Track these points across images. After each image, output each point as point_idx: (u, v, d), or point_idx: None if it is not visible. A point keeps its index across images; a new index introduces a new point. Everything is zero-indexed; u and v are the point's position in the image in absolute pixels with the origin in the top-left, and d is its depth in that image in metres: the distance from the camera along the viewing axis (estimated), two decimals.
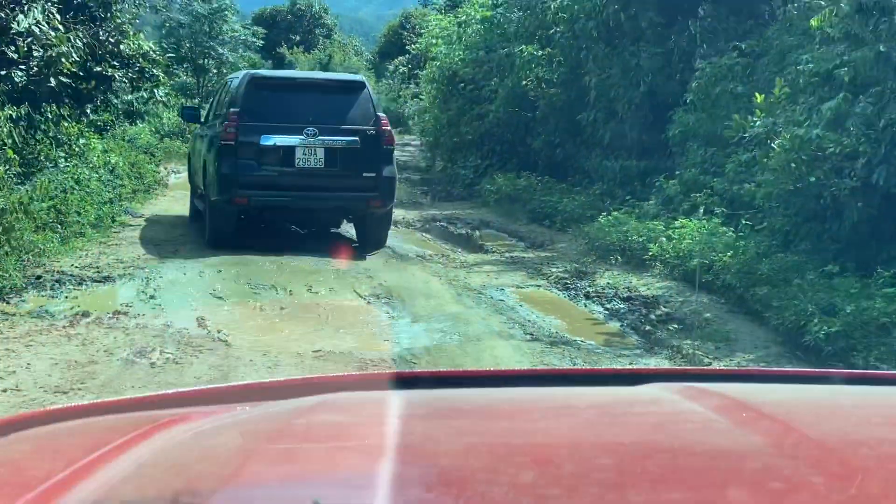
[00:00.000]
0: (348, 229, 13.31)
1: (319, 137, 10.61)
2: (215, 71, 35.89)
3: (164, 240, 11.42)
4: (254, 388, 1.68)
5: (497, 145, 17.44)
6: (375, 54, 58.21)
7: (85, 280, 9.06)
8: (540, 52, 15.54)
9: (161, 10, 34.53)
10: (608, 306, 8.64)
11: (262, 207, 11.06)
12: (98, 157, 12.78)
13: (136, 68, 15.26)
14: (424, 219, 14.38)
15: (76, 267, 9.53)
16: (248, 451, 1.16)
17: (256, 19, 53.82)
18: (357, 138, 10.69)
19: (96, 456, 1.14)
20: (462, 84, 18.01)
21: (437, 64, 18.65)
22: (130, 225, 12.30)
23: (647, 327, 7.84)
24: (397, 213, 14.86)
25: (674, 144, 12.72)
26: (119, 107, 15.97)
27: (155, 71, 15.67)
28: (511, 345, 7.29)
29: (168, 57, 35.05)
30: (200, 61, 35.04)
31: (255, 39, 37.33)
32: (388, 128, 11.04)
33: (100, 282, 9.08)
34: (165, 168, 20.23)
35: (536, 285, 9.62)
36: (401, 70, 23.31)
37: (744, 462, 1.08)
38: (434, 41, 19.73)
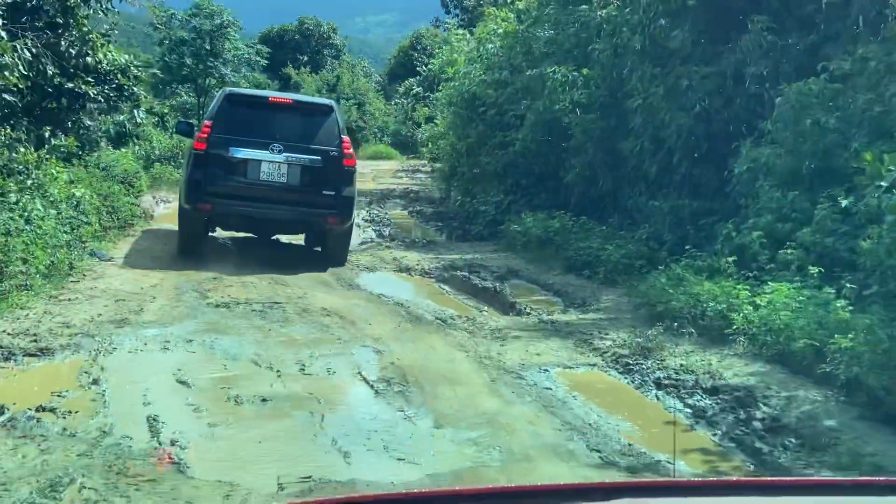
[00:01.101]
0: (357, 278, 11.32)
1: (284, 154, 11.20)
2: (216, 92, 34.13)
3: (131, 292, 9.43)
4: None
5: (523, 178, 15.47)
6: (385, 76, 56.51)
7: (15, 353, 7.08)
8: (575, 73, 13.57)
9: (160, 27, 32.79)
10: (690, 402, 6.60)
11: (225, 215, 11.49)
12: (60, 189, 10.82)
13: (114, 85, 13.35)
14: (442, 265, 12.37)
15: (8, 333, 7.54)
16: None
17: (263, 38, 52.14)
18: (319, 157, 11.29)
19: None
20: (483, 108, 16.06)
21: (455, 85, 16.69)
22: (93, 271, 10.32)
23: (755, 441, 5.79)
24: (410, 258, 12.89)
25: (740, 183, 10.70)
26: (93, 129, 14.03)
27: (135, 88, 13.74)
28: (573, 469, 5.27)
29: (166, 75, 33.43)
30: (201, 81, 33.26)
31: (259, 59, 35.47)
32: (350, 150, 11.65)
33: (34, 355, 7.10)
34: (154, 197, 18.30)
35: (589, 364, 7.59)
36: (414, 91, 21.21)
37: None
38: (454, 57, 17.77)
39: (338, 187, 11.38)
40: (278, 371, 6.99)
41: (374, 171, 33.22)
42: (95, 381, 6.51)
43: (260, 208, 11.28)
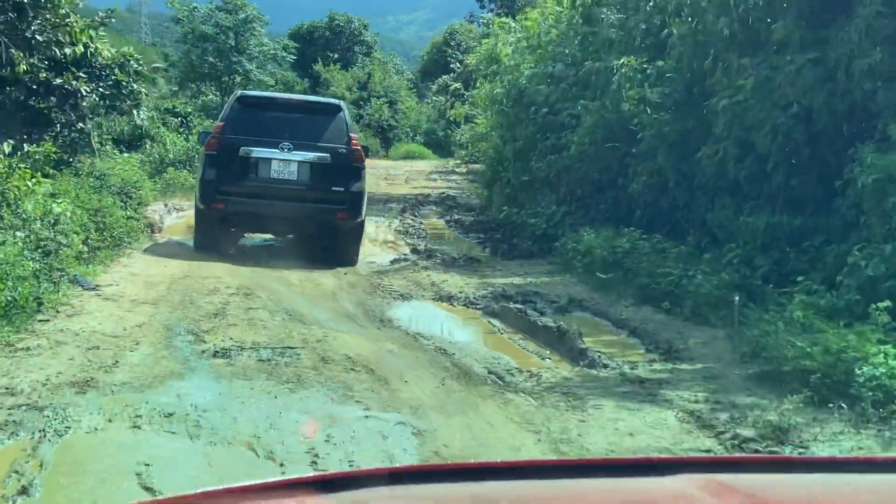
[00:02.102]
0: (388, 309, 9.42)
1: (294, 152, 11.45)
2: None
3: (109, 336, 7.57)
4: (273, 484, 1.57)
5: (578, 186, 13.50)
6: (417, 73, 54.62)
7: None
8: (647, 66, 11.56)
9: (182, 19, 31.08)
10: None
11: (238, 213, 11.65)
12: (36, 204, 9.01)
13: (111, 82, 11.53)
14: (490, 292, 10.43)
15: None
16: None
17: (293, 35, 50.43)
18: (328, 155, 11.53)
19: None
20: (533, 106, 14.08)
21: (500, 81, 14.71)
22: (70, 306, 8.47)
23: None
24: (451, 283, 10.98)
25: (862, 196, 8.67)
26: (87, 131, 12.22)
27: (135, 85, 11.91)
28: None
29: (189, 73, 31.73)
30: (225, 78, 31.54)
31: (285, 54, 33.65)
32: (358, 147, 11.84)
33: None
34: (166, 205, 16.54)
35: (704, 452, 5.61)
36: (452, 87, 19.24)
37: None
38: (499, 49, 15.79)
39: (347, 184, 11.56)
40: (282, 464, 5.11)
41: (407, 173, 31.36)
42: (26, 489, 4.65)
43: (271, 206, 11.46)
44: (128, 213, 11.62)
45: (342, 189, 11.54)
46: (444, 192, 23.28)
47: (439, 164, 42.40)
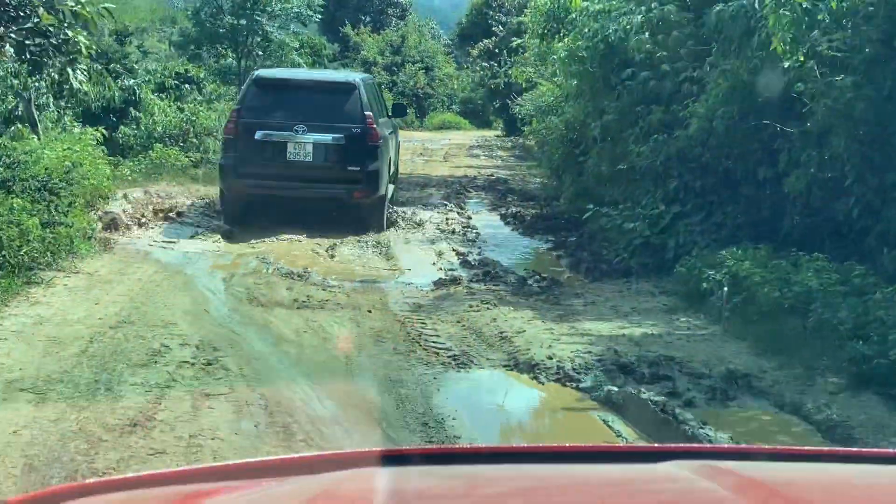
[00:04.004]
0: (436, 391, 5.66)
1: (308, 134, 11.63)
2: (261, 53, 28.66)
3: None
4: (286, 462, 1.66)
5: (698, 179, 9.66)
6: (455, 37, 50.62)
7: None
8: (818, 1, 7.64)
9: None
10: None
11: (258, 196, 11.75)
12: None
13: (31, 24, 7.82)
14: (593, 353, 6.61)
15: None
16: None
17: None
18: (343, 135, 11.68)
19: None
20: (630, 69, 10.19)
21: (580, 32, 10.78)
22: None
23: None
24: (529, 335, 7.12)
25: None
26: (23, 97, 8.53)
27: (71, 33, 8.19)
28: None
29: (198, 33, 28.04)
30: (243, 39, 27.75)
31: (311, 13, 29.67)
32: (374, 126, 11.86)
33: None
34: (147, 192, 12.93)
35: None
36: (515, 43, 15.30)
37: None
38: None
39: (363, 163, 11.65)
40: None
41: (446, 148, 27.53)
42: None
43: (289, 187, 11.61)
44: (55, 216, 7.89)
45: (358, 168, 11.64)
46: (492, 174, 19.42)
47: (478, 135, 38.53)
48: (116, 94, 15.08)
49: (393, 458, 1.59)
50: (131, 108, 15.53)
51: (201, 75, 27.99)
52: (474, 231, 12.42)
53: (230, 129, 11.89)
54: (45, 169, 8.17)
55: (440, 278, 9.42)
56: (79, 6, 7.88)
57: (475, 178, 18.57)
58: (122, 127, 14.99)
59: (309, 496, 1.35)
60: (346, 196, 11.72)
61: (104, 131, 11.24)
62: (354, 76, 13.57)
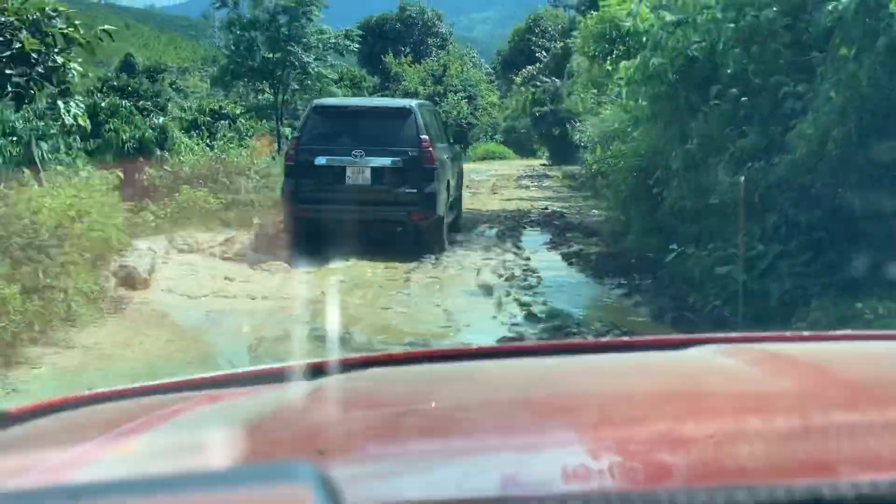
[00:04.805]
0: None
1: (366, 158, 12.02)
2: (297, 86, 27.51)
3: None
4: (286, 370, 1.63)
5: (804, 212, 8.18)
6: (498, 64, 49.49)
7: None
8: None
9: (229, 3, 26.23)
10: None
11: (319, 219, 11.92)
12: None
13: (12, 52, 6.58)
14: None
15: None
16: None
17: (363, 27, 45.54)
18: (400, 159, 12.06)
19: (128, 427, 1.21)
20: (717, 86, 8.74)
21: (657, 49, 9.36)
22: None
23: None
24: None
25: None
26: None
27: (59, 58, 6.94)
28: None
29: (235, 67, 27.06)
30: (279, 72, 26.62)
31: (348, 43, 28.53)
32: (430, 149, 12.14)
33: None
34: (171, 240, 11.76)
35: None
36: (577, 63, 13.88)
37: (769, 400, 1.16)
38: (633, 6, 10.52)
39: (419, 186, 11.94)
40: None
41: (493, 179, 26.23)
42: None
43: (348, 210, 11.74)
44: (43, 280, 6.60)
45: (415, 191, 11.94)
46: (546, 207, 18.04)
47: (523, 164, 37.16)
48: (147, 132, 14.01)
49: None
50: (157, 149, 14.39)
51: (237, 111, 26.95)
52: (535, 275, 11.01)
53: (291, 155, 12.32)
54: (32, 224, 6.91)
55: (504, 336, 8.02)
56: (70, 29, 6.64)
57: (529, 212, 17.22)
58: (147, 168, 13.86)
59: (322, 391, 1.37)
60: (404, 217, 12.08)
61: (120, 174, 10.02)
62: (411, 102, 13.86)
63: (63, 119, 7.66)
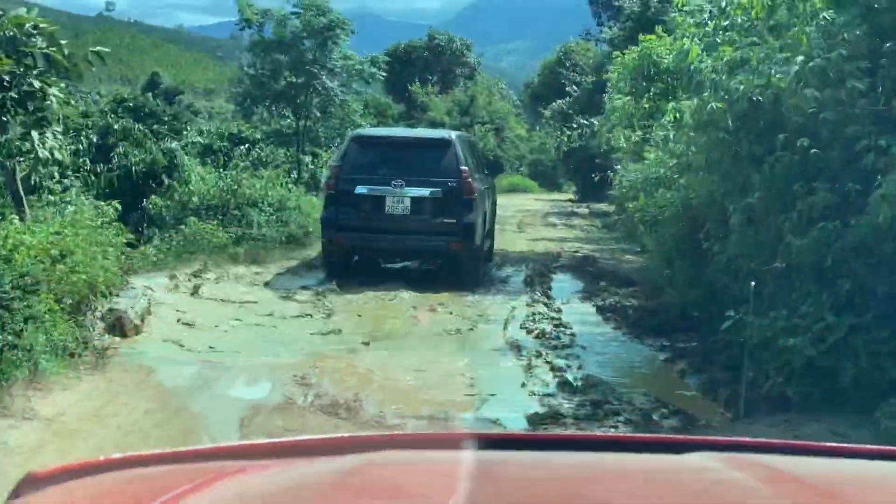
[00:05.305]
0: None
1: (406, 188, 12.10)
2: (319, 114, 26.63)
3: None
4: (314, 443, 1.65)
5: (880, 281, 7.15)
6: (527, 97, 48.60)
7: None
8: None
9: (254, 25, 25.41)
10: None
11: (357, 247, 12.47)
12: None
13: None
14: None
15: None
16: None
17: (390, 54, 44.82)
18: (439, 189, 12.11)
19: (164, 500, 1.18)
20: (783, 134, 7.74)
21: (714, 90, 8.37)
22: None
23: None
24: None
25: None
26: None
27: (37, 82, 6.05)
28: None
29: (256, 91, 26.26)
30: (301, 98, 25.75)
31: (374, 70, 27.65)
32: (470, 179, 12.22)
33: None
34: (173, 276, 10.88)
35: None
36: (622, 100, 12.92)
37: None
38: (681, 43, 9.55)
39: (459, 215, 12.02)
40: None
41: (520, 215, 25.27)
42: None
43: (387, 239, 12.22)
44: (2, 338, 5.64)
45: (454, 221, 11.98)
46: (577, 251, 17.01)
47: (549, 199, 36.20)
48: (158, 156, 13.16)
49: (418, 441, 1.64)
50: (164, 176, 13.51)
51: (257, 136, 26.10)
52: (568, 332, 10.00)
53: (331, 184, 12.39)
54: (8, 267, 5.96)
55: (535, 412, 7.01)
56: (53, 49, 5.74)
57: (559, 256, 16.20)
58: (153, 196, 12.96)
59: (338, 476, 1.35)
60: (444, 247, 12.11)
61: (117, 205, 9.11)
62: (450, 133, 14.05)
63: (37, 152, 6.71)
